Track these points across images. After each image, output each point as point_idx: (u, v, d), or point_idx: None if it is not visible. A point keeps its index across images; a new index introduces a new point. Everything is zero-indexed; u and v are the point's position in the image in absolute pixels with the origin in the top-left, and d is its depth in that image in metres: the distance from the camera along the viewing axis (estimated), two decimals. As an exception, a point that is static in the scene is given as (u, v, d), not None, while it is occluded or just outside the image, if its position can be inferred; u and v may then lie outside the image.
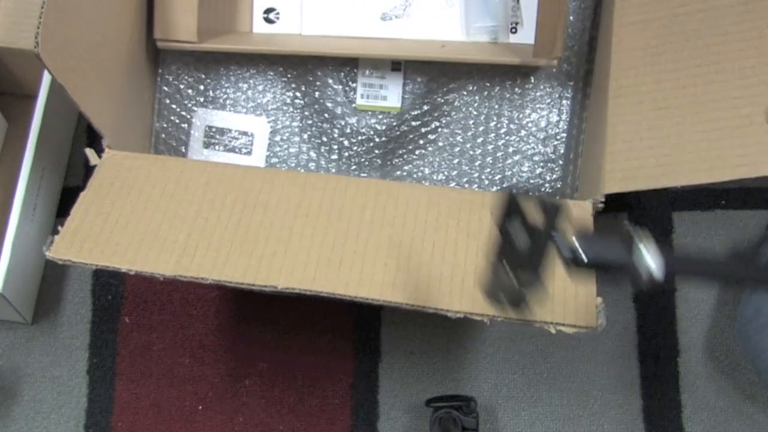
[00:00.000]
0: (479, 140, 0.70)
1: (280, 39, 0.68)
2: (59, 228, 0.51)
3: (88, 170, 0.56)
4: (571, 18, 0.64)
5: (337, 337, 0.74)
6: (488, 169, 0.70)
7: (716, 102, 0.54)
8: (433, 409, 0.68)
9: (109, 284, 0.75)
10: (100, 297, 0.75)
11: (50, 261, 0.50)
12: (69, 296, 0.75)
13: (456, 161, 0.70)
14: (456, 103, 0.70)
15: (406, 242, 0.51)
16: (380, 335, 0.74)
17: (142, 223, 0.52)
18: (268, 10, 0.69)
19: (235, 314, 0.74)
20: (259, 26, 0.69)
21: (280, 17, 0.67)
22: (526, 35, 0.67)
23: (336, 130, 0.71)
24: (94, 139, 0.59)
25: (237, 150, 0.72)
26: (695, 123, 0.54)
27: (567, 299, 0.49)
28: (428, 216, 0.53)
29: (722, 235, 0.77)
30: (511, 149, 0.70)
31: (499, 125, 0.70)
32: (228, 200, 0.53)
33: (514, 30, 0.67)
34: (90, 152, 0.57)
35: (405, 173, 0.71)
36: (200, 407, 0.72)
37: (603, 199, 0.54)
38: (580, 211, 0.54)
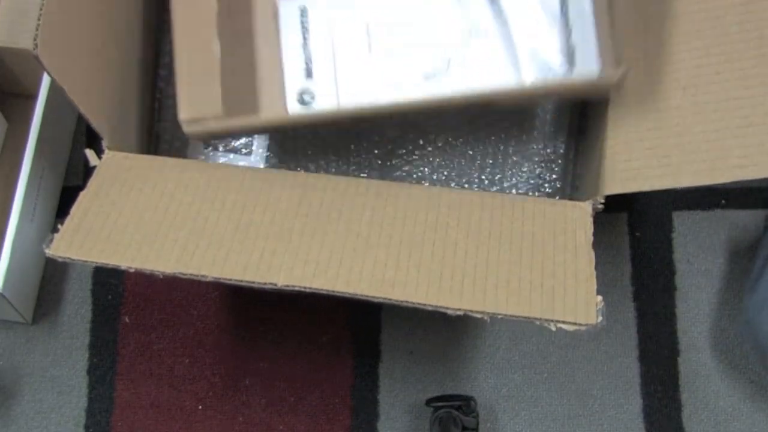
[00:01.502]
0: (479, 140, 0.70)
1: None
2: (59, 227, 0.52)
3: (88, 170, 0.56)
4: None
5: (337, 336, 0.74)
6: (488, 169, 0.70)
7: (716, 103, 0.54)
8: (433, 409, 0.69)
9: (109, 284, 0.75)
10: (100, 297, 0.75)
11: (50, 261, 0.50)
12: (69, 296, 0.75)
13: (456, 161, 0.70)
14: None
15: (405, 242, 0.51)
16: (380, 335, 0.74)
17: (142, 222, 0.52)
18: (302, 91, 0.62)
19: (235, 314, 0.74)
20: (294, 108, 0.64)
21: (315, 98, 0.62)
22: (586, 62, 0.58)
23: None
24: (93, 139, 0.59)
25: (237, 150, 0.72)
26: (695, 123, 0.54)
27: (567, 297, 0.49)
28: (428, 216, 0.53)
29: (722, 235, 0.77)
30: (510, 149, 0.70)
31: (499, 124, 0.70)
32: (228, 200, 0.54)
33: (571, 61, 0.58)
34: (90, 153, 0.57)
35: (404, 173, 0.71)
36: (200, 407, 0.72)
37: (603, 200, 0.54)
38: (580, 212, 0.54)
